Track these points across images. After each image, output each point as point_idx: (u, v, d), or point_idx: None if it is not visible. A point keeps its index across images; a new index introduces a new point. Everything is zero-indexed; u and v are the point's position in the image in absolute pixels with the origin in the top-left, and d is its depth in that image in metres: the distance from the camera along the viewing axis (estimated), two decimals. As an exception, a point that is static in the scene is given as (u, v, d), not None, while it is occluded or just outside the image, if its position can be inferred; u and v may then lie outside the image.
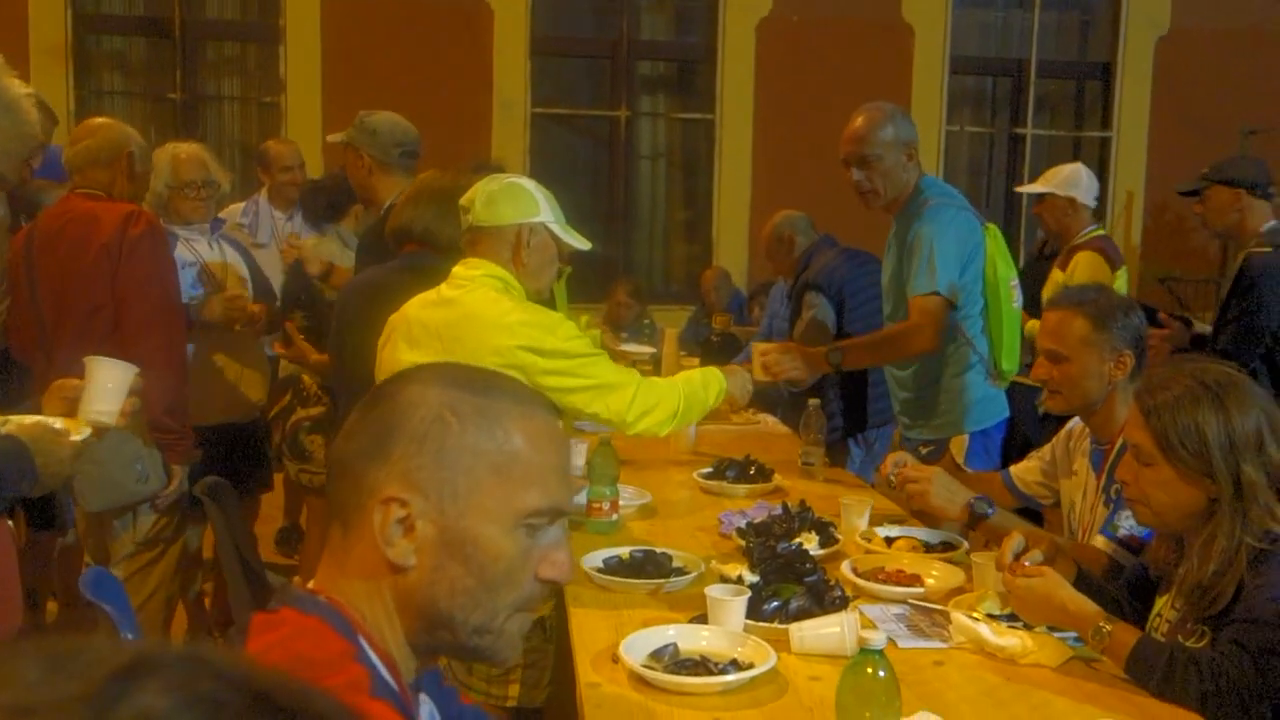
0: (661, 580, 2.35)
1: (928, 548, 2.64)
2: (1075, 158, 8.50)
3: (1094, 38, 8.70)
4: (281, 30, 7.54)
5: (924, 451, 3.37)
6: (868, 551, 2.61)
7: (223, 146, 7.45)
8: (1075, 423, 2.68)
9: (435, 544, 1.11)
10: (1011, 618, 2.10)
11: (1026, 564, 2.09)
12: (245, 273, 3.84)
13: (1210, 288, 8.00)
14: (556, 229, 2.56)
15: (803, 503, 2.78)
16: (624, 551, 2.49)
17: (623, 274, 7.41)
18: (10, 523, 3.01)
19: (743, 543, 2.56)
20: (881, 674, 1.58)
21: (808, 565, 2.28)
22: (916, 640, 2.09)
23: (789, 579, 2.22)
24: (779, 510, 2.73)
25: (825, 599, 2.15)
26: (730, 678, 1.84)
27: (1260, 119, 8.07)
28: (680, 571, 2.41)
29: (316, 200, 4.71)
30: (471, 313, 2.43)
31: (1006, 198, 8.48)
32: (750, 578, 2.27)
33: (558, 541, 1.18)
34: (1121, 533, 2.38)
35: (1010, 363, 3.25)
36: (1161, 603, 2.12)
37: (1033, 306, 3.77)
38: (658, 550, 2.49)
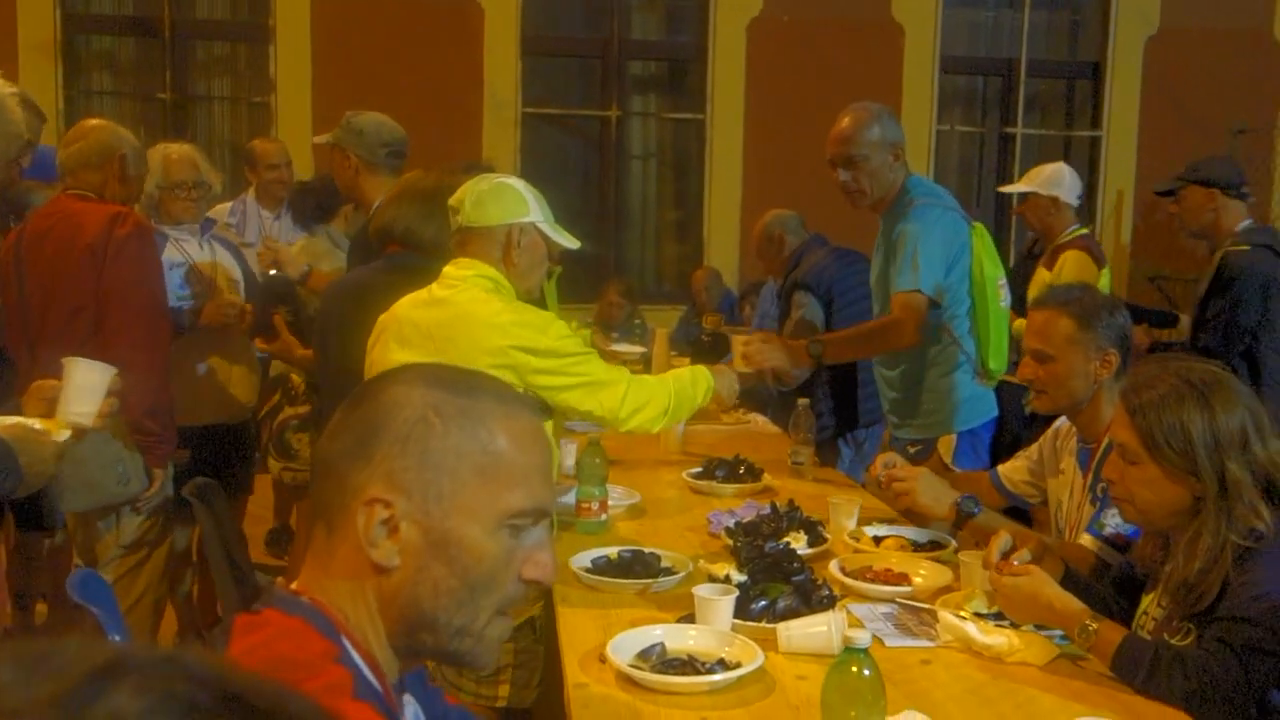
0: (649, 580, 2.36)
1: (916, 547, 2.65)
2: (1065, 157, 8.51)
3: (1084, 37, 8.72)
4: (271, 30, 7.52)
5: (912, 451, 3.38)
6: (856, 551, 2.61)
7: (212, 147, 7.43)
8: (1062, 422, 2.69)
9: (419, 545, 1.11)
10: (999, 616, 2.11)
11: (1014, 563, 2.10)
12: (237, 274, 3.84)
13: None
14: (546, 228, 2.56)
15: (791, 502, 2.79)
16: (612, 551, 2.50)
17: (614, 274, 7.41)
18: (-3, 524, 3.00)
19: (731, 542, 2.56)
20: (866, 672, 1.59)
21: (795, 565, 2.29)
22: (904, 639, 2.10)
23: (776, 578, 2.23)
24: (767, 510, 2.74)
25: (813, 598, 2.15)
26: (717, 677, 1.84)
27: (1249, 118, 8.09)
28: (668, 571, 2.41)
29: (305, 201, 4.71)
30: (464, 313, 2.43)
31: (997, 197, 8.49)
32: (738, 577, 2.28)
33: (541, 542, 1.18)
34: (1108, 531, 2.39)
35: (998, 362, 3.26)
36: (1148, 600, 2.13)
37: (1021, 306, 3.78)
38: (646, 550, 2.50)
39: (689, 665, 1.87)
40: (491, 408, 1.16)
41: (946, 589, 2.33)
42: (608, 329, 6.39)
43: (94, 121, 3.32)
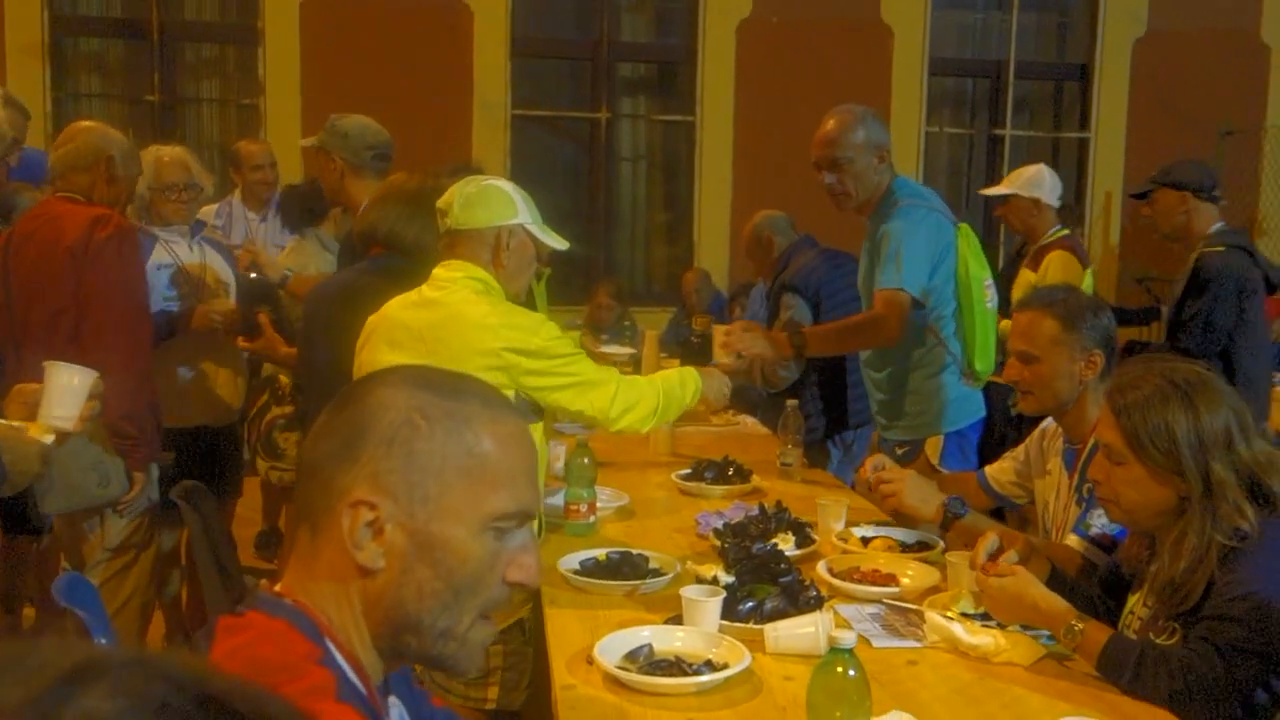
0: (638, 581, 2.36)
1: (904, 548, 2.66)
2: (1054, 159, 8.54)
3: (1072, 39, 8.75)
4: (260, 32, 7.50)
5: (900, 452, 3.39)
6: (844, 552, 2.62)
7: (201, 149, 7.38)
8: (1049, 423, 2.70)
9: (404, 547, 1.11)
10: (985, 617, 2.11)
11: (1001, 564, 2.10)
12: (227, 276, 3.83)
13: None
14: (535, 230, 2.57)
15: (779, 503, 2.79)
16: (600, 553, 2.50)
17: (604, 276, 7.41)
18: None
19: (719, 543, 2.57)
20: (852, 673, 1.59)
21: (782, 566, 2.30)
22: (891, 640, 2.10)
23: (764, 579, 2.23)
24: (756, 511, 2.74)
25: (800, 599, 2.16)
26: (704, 678, 1.84)
27: (1237, 120, 8.13)
28: (656, 573, 2.41)
29: (294, 204, 4.70)
30: (455, 314, 2.44)
31: (986, 198, 8.51)
32: (726, 578, 2.28)
33: (525, 545, 1.18)
34: (1094, 531, 2.40)
35: (984, 363, 3.27)
36: (1134, 600, 2.14)
37: (1007, 308, 3.79)
38: (634, 552, 2.50)
39: (676, 666, 1.88)
40: (477, 410, 1.16)
41: (934, 590, 2.34)
42: (598, 331, 6.39)
43: (84, 124, 3.32)
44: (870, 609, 2.26)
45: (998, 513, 2.99)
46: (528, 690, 2.55)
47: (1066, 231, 4.66)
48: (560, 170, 8.43)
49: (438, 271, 2.53)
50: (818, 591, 2.22)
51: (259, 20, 7.49)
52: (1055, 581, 2.14)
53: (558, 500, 2.85)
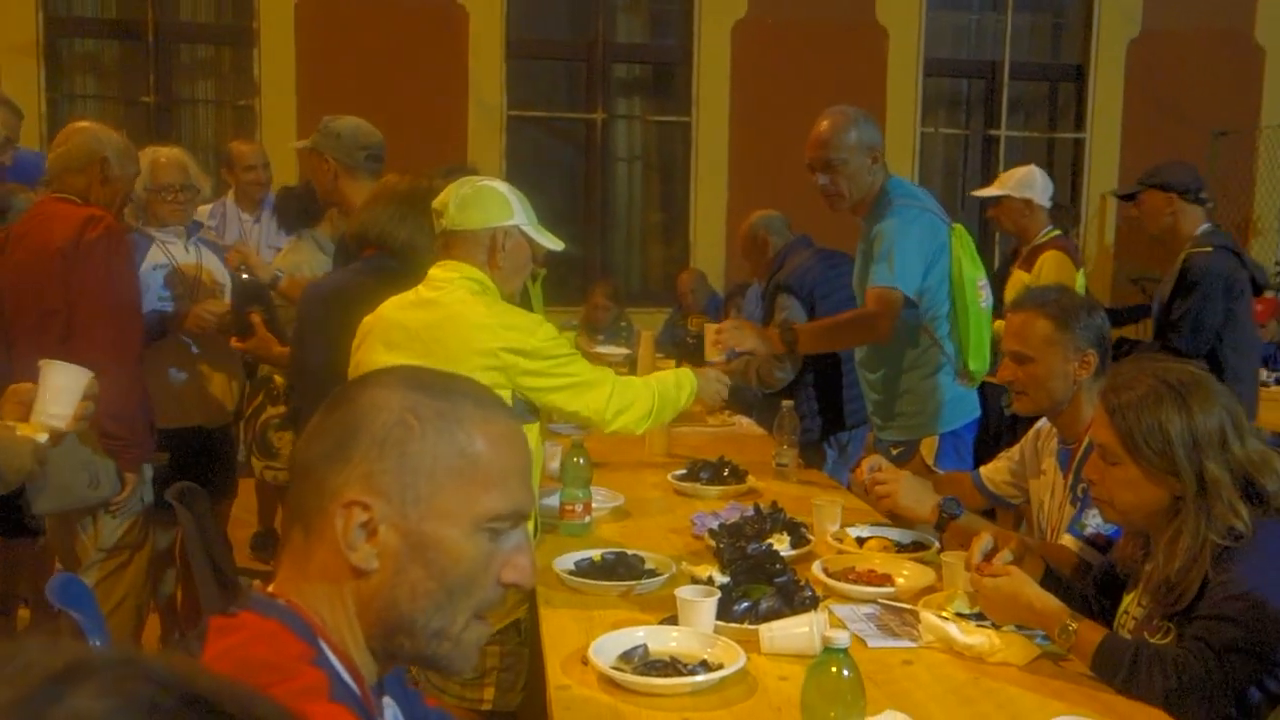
0: (633, 582, 2.36)
1: (899, 548, 2.66)
2: (1049, 159, 8.56)
3: (1066, 40, 8.76)
4: (255, 33, 7.50)
5: (895, 453, 3.39)
6: (839, 552, 2.62)
7: (197, 150, 7.35)
8: (1043, 423, 2.70)
9: (397, 548, 1.11)
10: (980, 617, 2.12)
11: (995, 563, 2.11)
12: (224, 277, 3.84)
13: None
14: (530, 231, 2.57)
15: (775, 504, 2.79)
16: (596, 554, 2.50)
17: (600, 276, 7.41)
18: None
19: (714, 544, 2.57)
20: (846, 673, 1.59)
21: (777, 566, 2.29)
22: (886, 640, 2.10)
23: (759, 580, 2.23)
24: (751, 511, 2.74)
25: (795, 599, 2.16)
26: (699, 678, 1.84)
27: (1231, 120, 8.14)
28: (652, 573, 2.41)
29: (290, 205, 4.70)
30: (453, 314, 2.44)
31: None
32: (721, 579, 2.28)
33: (520, 545, 1.17)
34: (1088, 531, 2.40)
35: (979, 363, 3.27)
36: (1129, 600, 2.14)
37: (1002, 307, 3.80)
38: (629, 552, 2.50)
39: (671, 667, 1.88)
40: (469, 411, 1.16)
41: (929, 589, 2.34)
42: (594, 331, 6.40)
43: (80, 124, 3.32)
44: (865, 609, 2.26)
45: (988, 512, 2.99)
46: (524, 691, 2.55)
47: (1058, 232, 4.67)
48: (556, 171, 8.42)
49: (434, 272, 2.54)
50: (813, 592, 2.22)
51: (254, 21, 7.49)
52: (1049, 581, 2.14)
53: (553, 501, 2.85)
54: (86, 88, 7.77)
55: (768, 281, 4.66)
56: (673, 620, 2.08)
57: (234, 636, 1.05)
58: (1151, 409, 1.96)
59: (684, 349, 5.76)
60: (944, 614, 2.13)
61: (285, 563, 1.15)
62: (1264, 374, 5.89)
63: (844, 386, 4.32)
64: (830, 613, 2.19)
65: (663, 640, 1.99)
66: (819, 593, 2.25)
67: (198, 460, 3.61)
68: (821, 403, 4.36)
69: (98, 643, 1.96)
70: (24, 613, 4.07)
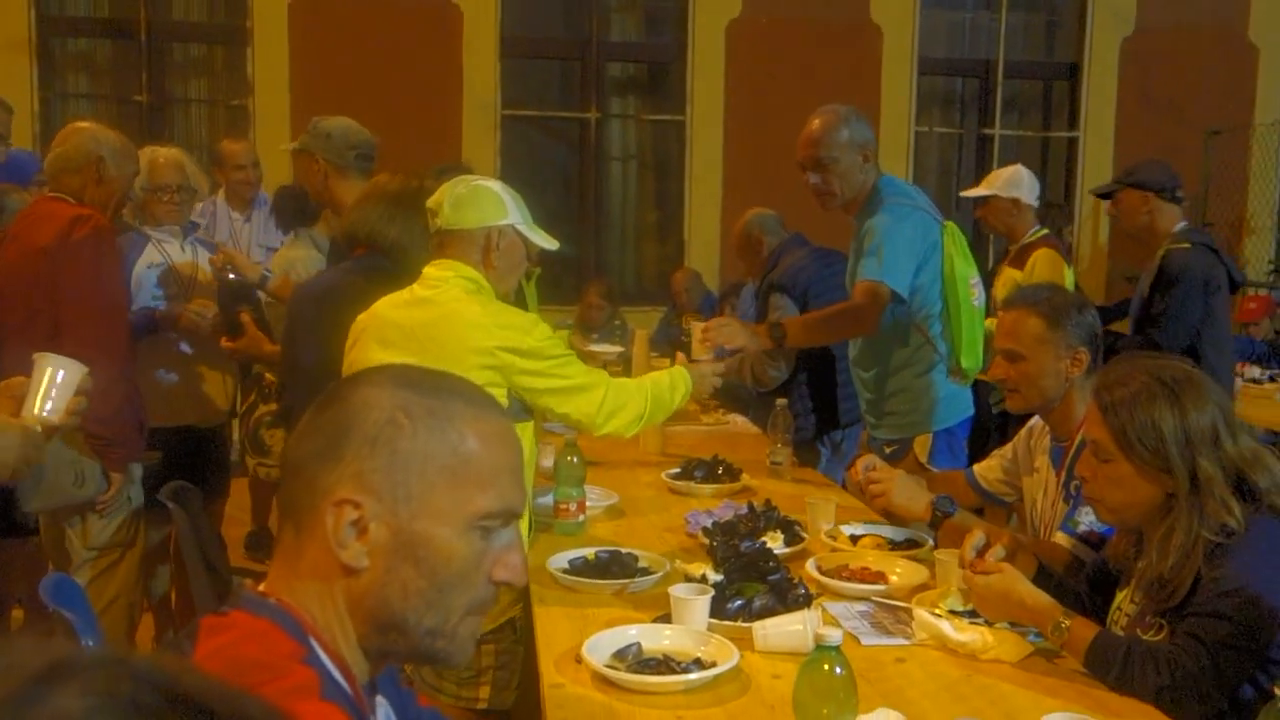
0: (626, 580, 2.36)
1: (893, 546, 2.66)
2: (1043, 157, 8.57)
3: (1060, 38, 8.77)
4: (249, 32, 7.48)
5: (889, 451, 3.39)
6: (833, 550, 2.62)
7: (190, 149, 7.30)
8: (1036, 420, 2.70)
9: (388, 546, 1.11)
10: (973, 614, 2.12)
11: (988, 560, 2.11)
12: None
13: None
14: (524, 230, 2.57)
15: (769, 502, 2.80)
16: (589, 552, 2.50)
17: (594, 276, 7.41)
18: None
19: (708, 542, 2.57)
20: (838, 670, 1.59)
21: (771, 564, 2.30)
22: (879, 637, 2.10)
23: (752, 578, 2.23)
24: (745, 510, 2.74)
25: (788, 597, 2.16)
26: (693, 676, 1.84)
27: (1224, 118, 8.15)
28: (645, 572, 2.41)
29: (286, 204, 4.69)
30: (449, 313, 2.44)
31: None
32: (714, 577, 2.28)
33: (511, 544, 1.17)
34: (1081, 528, 2.41)
35: (971, 360, 3.27)
36: (1121, 596, 2.14)
37: (993, 305, 3.81)
38: (623, 551, 2.51)
39: (664, 665, 1.88)
40: (461, 409, 1.16)
41: (922, 587, 2.34)
42: (588, 330, 6.39)
43: (78, 124, 3.32)
44: (859, 607, 2.27)
45: (977, 510, 3.00)
46: (518, 690, 2.55)
47: (1046, 231, 4.69)
48: (550, 170, 8.42)
49: (429, 270, 2.53)
50: (806, 590, 2.22)
51: (247, 20, 7.47)
52: (1042, 578, 2.14)
53: (547, 499, 2.85)
54: (79, 87, 7.75)
55: (761, 280, 4.66)
56: (666, 618, 2.08)
57: (225, 635, 1.04)
58: (1145, 406, 1.96)
59: (679, 348, 5.75)
60: (937, 611, 2.13)
61: (277, 561, 1.15)
62: (1257, 371, 5.92)
63: (838, 385, 4.33)
64: (824, 610, 2.19)
65: (656, 638, 1.99)
66: (812, 590, 2.25)
67: (190, 460, 3.61)
68: (815, 401, 4.36)
69: (90, 642, 1.95)
70: (17, 613, 4.06)
